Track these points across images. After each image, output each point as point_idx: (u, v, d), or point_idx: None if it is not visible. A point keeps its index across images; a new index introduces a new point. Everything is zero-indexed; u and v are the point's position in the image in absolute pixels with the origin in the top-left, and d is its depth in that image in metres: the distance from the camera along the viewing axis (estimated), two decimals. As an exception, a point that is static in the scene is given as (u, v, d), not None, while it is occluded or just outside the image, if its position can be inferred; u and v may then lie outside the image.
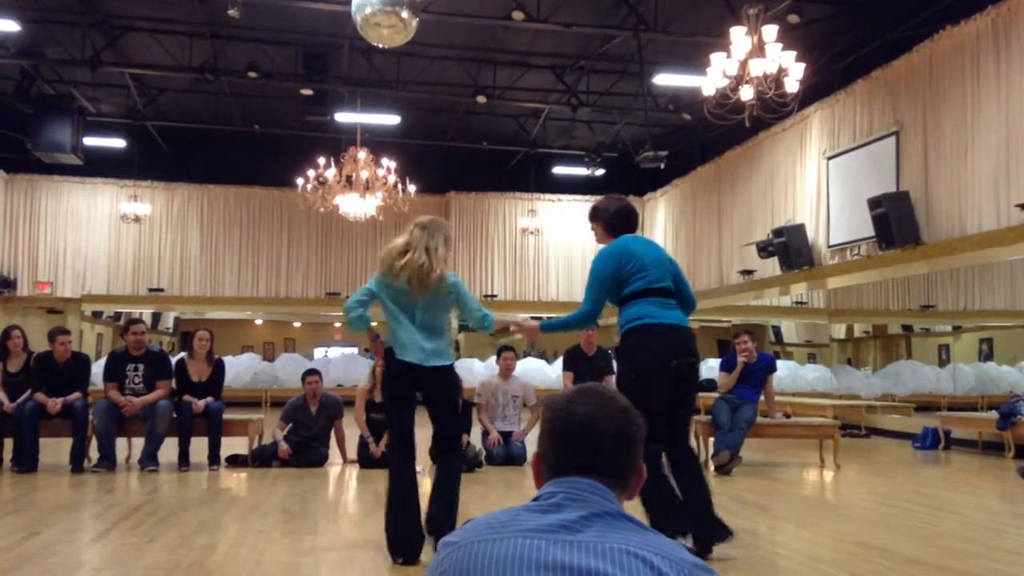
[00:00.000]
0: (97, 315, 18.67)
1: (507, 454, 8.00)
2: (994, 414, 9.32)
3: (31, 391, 7.37)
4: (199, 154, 17.85)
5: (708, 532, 4.16)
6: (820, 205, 12.14)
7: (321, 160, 13.88)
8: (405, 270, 4.20)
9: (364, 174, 13.90)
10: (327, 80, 14.30)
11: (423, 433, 4.37)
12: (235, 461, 7.76)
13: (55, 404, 7.28)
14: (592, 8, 12.42)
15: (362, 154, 13.98)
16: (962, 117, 9.51)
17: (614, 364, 8.06)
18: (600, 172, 17.39)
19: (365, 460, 7.63)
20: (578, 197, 18.26)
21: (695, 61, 10.90)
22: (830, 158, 11.92)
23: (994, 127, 9.06)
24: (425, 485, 4.62)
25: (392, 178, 14.09)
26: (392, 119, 15.75)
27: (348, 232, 17.58)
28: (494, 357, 9.75)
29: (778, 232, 12.36)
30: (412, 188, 14.23)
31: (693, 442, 4.69)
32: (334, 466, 7.89)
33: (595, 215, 4.57)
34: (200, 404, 7.56)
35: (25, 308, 16.58)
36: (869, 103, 11.22)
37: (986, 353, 13.62)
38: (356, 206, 14.13)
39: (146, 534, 4.69)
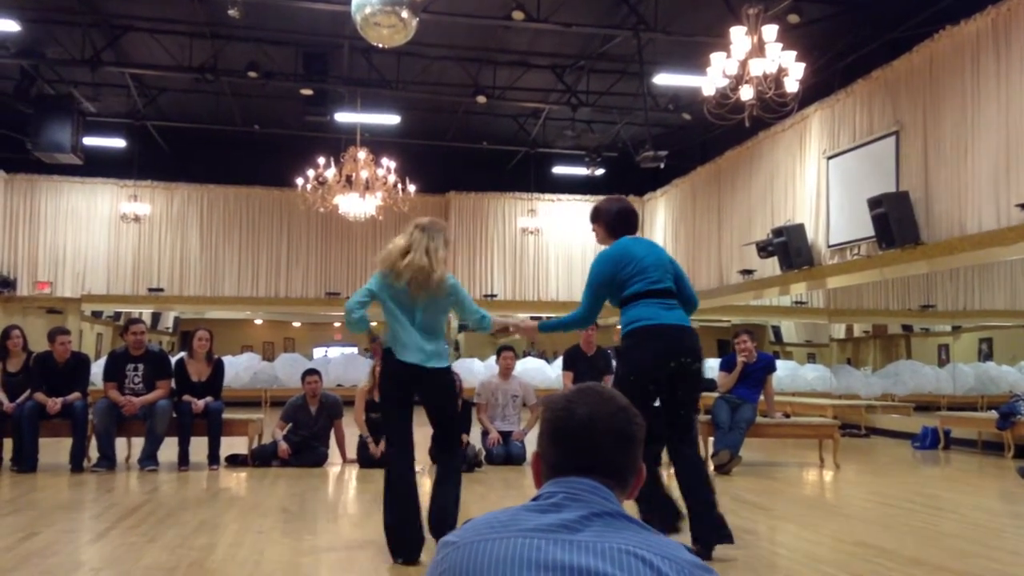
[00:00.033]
0: (97, 315, 18.67)
1: (507, 454, 8.00)
2: (994, 414, 9.32)
3: (31, 391, 7.37)
4: (199, 154, 17.85)
5: (709, 533, 4.15)
6: (820, 205, 12.14)
7: (321, 160, 13.88)
8: (407, 271, 4.20)
9: (364, 174, 13.90)
10: (327, 80, 14.30)
11: (423, 433, 4.37)
12: (235, 461, 7.76)
13: (55, 404, 7.28)
14: (592, 8, 12.42)
15: (362, 154, 13.98)
16: (962, 117, 9.51)
17: (614, 364, 8.06)
18: (600, 172, 17.39)
19: (365, 460, 7.63)
20: (578, 197, 18.27)
21: (695, 61, 10.90)
22: (830, 158, 11.93)
23: (994, 127, 9.06)
24: (425, 485, 4.62)
25: (392, 178, 14.09)
26: (392, 119, 15.75)
27: (348, 232, 17.58)
28: (494, 357, 9.75)
29: (778, 232, 12.36)
30: (412, 188, 14.23)
31: (698, 446, 4.66)
32: (334, 466, 7.89)
33: (596, 216, 4.57)
34: (200, 404, 7.56)
35: (25, 308, 16.57)
36: (869, 103, 11.22)
37: (986, 353, 13.61)
38: (356, 206, 14.13)
39: (146, 534, 4.69)
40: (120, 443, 7.79)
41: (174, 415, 7.54)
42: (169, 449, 7.57)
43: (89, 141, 15.25)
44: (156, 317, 20.73)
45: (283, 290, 18.01)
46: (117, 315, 18.90)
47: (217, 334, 8.45)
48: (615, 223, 4.48)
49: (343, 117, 15.06)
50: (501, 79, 14.88)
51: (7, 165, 16.45)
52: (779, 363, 11.42)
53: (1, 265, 16.57)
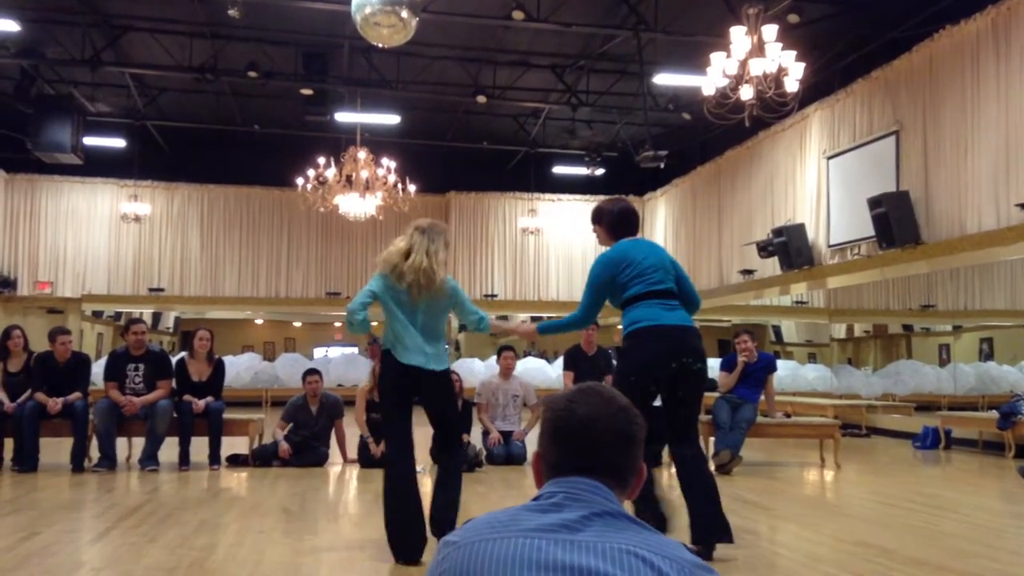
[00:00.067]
0: (97, 315, 18.67)
1: (507, 454, 8.00)
2: (994, 414, 9.31)
3: (31, 391, 7.38)
4: (199, 154, 17.85)
5: (710, 532, 4.15)
6: (820, 205, 12.14)
7: (321, 160, 13.87)
8: (409, 273, 4.21)
9: (364, 174, 13.89)
10: (327, 80, 14.30)
11: (423, 433, 4.37)
12: (235, 461, 7.77)
13: (55, 404, 7.28)
14: (592, 8, 12.42)
15: (362, 154, 13.98)
16: (962, 117, 9.51)
17: (615, 364, 8.06)
18: (600, 172, 17.40)
19: (365, 460, 7.63)
20: (578, 197, 18.27)
21: (695, 61, 10.90)
22: (830, 158, 11.92)
23: (994, 127, 9.06)
24: (426, 485, 4.62)
25: (392, 178, 14.09)
26: (392, 119, 15.75)
27: (348, 232, 17.58)
28: (494, 357, 9.75)
29: (778, 232, 12.36)
30: (412, 188, 14.23)
31: (701, 446, 4.66)
32: (334, 466, 7.89)
33: (597, 218, 4.57)
34: (200, 404, 7.56)
35: (25, 308, 16.58)
36: (869, 103, 11.22)
37: (986, 353, 13.61)
38: (356, 206, 14.13)
39: (146, 534, 4.69)
40: (121, 443, 7.80)
41: (175, 415, 7.54)
42: (170, 449, 7.58)
43: (89, 141, 15.26)
44: (157, 317, 20.73)
45: (283, 290, 18.01)
46: (118, 315, 18.90)
47: (218, 334, 8.46)
48: (616, 224, 4.48)
49: (343, 117, 15.06)
50: (501, 79, 14.88)
51: (7, 165, 16.45)
52: (780, 363, 11.42)
53: (1, 265, 16.57)
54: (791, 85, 8.39)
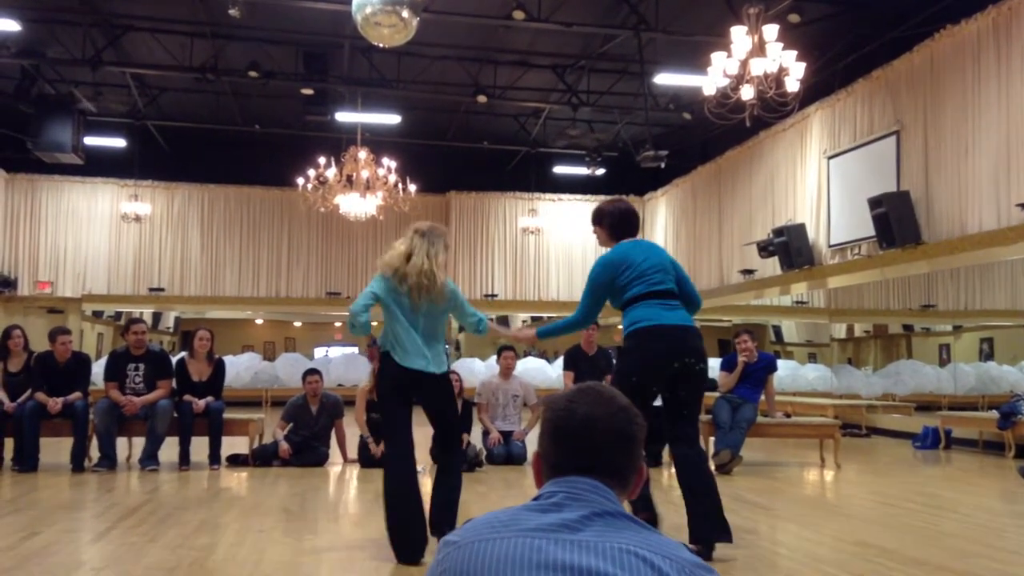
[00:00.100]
0: (97, 315, 18.67)
1: (507, 453, 8.00)
2: (994, 414, 9.31)
3: (32, 391, 7.38)
4: (200, 154, 17.85)
5: (710, 532, 4.15)
6: (820, 205, 12.14)
7: (321, 160, 13.88)
8: (411, 276, 4.22)
9: (364, 174, 13.90)
10: (327, 80, 14.29)
11: (423, 433, 4.37)
12: (236, 461, 7.77)
13: (56, 404, 7.28)
14: (593, 7, 12.42)
15: (362, 154, 13.98)
16: (963, 116, 9.51)
17: (615, 363, 8.06)
18: (600, 172, 17.39)
19: (365, 460, 7.63)
20: (579, 197, 18.27)
21: (695, 60, 10.90)
22: (831, 157, 11.92)
23: (995, 126, 9.06)
24: (426, 485, 4.62)
25: (392, 178, 14.09)
26: (392, 119, 15.75)
27: (348, 232, 17.58)
28: (494, 357, 9.75)
29: (778, 232, 12.36)
30: (412, 188, 14.23)
31: (700, 446, 4.66)
32: (335, 466, 7.89)
33: (597, 219, 4.58)
34: (201, 404, 7.57)
35: (26, 308, 16.58)
36: (870, 102, 11.21)
37: (987, 353, 13.60)
38: (356, 206, 14.13)
39: (146, 533, 4.69)
40: (121, 443, 7.80)
41: (175, 415, 7.54)
42: (170, 449, 7.58)
43: (90, 141, 15.25)
44: (157, 317, 20.73)
45: (284, 290, 18.02)
46: (118, 315, 18.90)
47: (218, 334, 8.46)
48: (616, 225, 4.49)
49: (344, 117, 15.07)
50: (502, 79, 14.88)
51: (8, 165, 16.46)
52: (780, 363, 11.41)
53: (2, 265, 16.57)
54: (792, 85, 8.39)
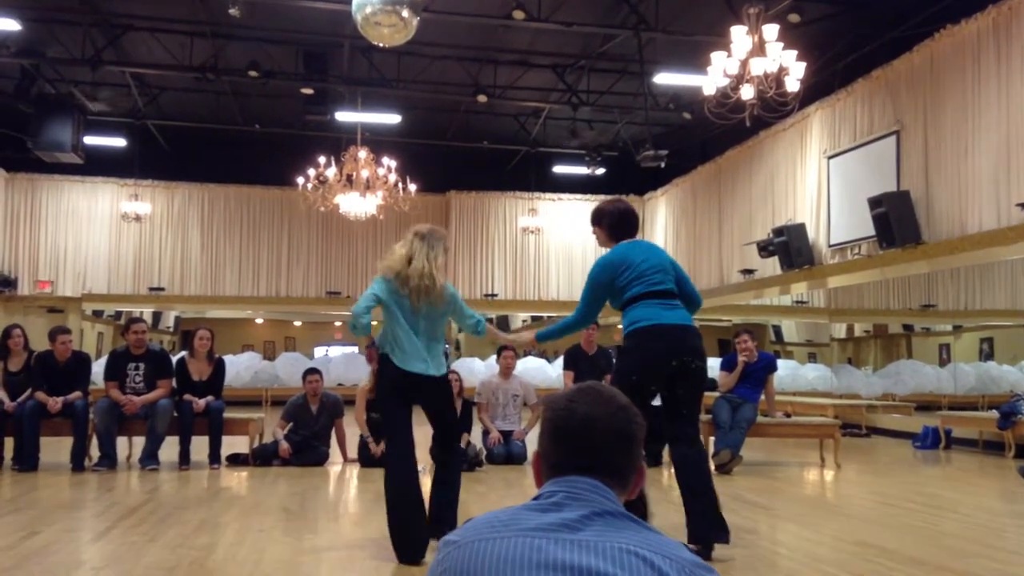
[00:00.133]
0: (98, 314, 18.67)
1: (508, 453, 8.00)
2: (994, 413, 9.31)
3: (32, 390, 7.38)
4: (200, 153, 17.85)
5: (708, 532, 4.16)
6: (820, 204, 12.14)
7: (321, 159, 13.88)
8: (413, 278, 4.26)
9: (364, 173, 13.90)
10: (327, 79, 14.29)
11: (423, 432, 4.37)
12: (236, 460, 7.77)
13: (56, 403, 7.29)
14: (593, 7, 12.42)
15: (362, 153, 13.99)
16: (963, 116, 9.50)
17: (615, 363, 8.06)
18: (600, 171, 17.39)
19: (365, 459, 7.63)
20: (579, 196, 18.27)
21: (695, 60, 10.90)
22: (831, 157, 11.92)
23: (995, 126, 9.06)
24: (425, 484, 4.62)
25: (392, 177, 14.09)
26: (393, 118, 15.75)
27: (348, 231, 17.58)
28: (494, 356, 9.75)
29: (778, 231, 12.36)
30: (412, 187, 14.23)
31: (701, 445, 4.66)
32: (334, 465, 7.89)
33: (597, 219, 4.59)
34: (201, 403, 7.57)
35: (26, 307, 16.58)
36: (870, 102, 11.21)
37: (987, 352, 13.60)
38: (356, 205, 14.13)
39: (146, 533, 4.69)
40: (121, 442, 7.80)
41: (175, 414, 7.54)
42: (170, 448, 7.58)
43: (90, 140, 15.26)
44: (157, 316, 20.73)
45: (284, 289, 18.02)
46: (118, 314, 18.90)
47: (218, 333, 8.46)
48: (616, 226, 4.50)
49: (344, 116, 15.07)
50: (502, 78, 14.88)
51: (8, 164, 16.46)
52: (780, 363, 11.41)
53: (2, 264, 16.57)
54: (792, 85, 8.39)
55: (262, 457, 7.76)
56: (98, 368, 9.08)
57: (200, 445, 7.60)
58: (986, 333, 13.70)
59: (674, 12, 12.05)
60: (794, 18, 10.76)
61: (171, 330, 22.94)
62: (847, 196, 11.42)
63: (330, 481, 7.13)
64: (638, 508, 4.19)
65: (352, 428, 8.08)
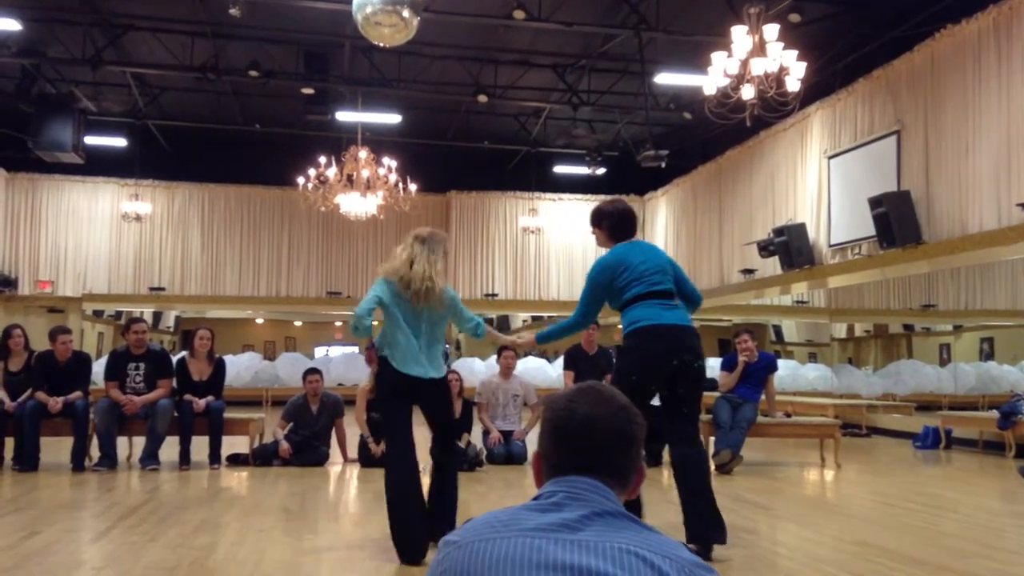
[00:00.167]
0: (98, 314, 18.68)
1: (508, 453, 8.00)
2: (995, 413, 9.31)
3: (32, 390, 7.38)
4: (200, 153, 17.85)
5: (706, 531, 4.16)
6: (821, 204, 12.13)
7: (322, 159, 13.88)
8: (415, 282, 4.29)
9: (365, 173, 13.90)
10: (328, 79, 14.29)
11: (423, 432, 4.37)
12: (236, 460, 7.77)
13: (56, 403, 7.29)
14: (593, 7, 12.42)
15: (363, 153, 13.99)
16: (963, 116, 9.50)
17: (615, 363, 8.06)
18: (601, 171, 17.39)
19: (366, 459, 7.63)
20: (579, 196, 18.26)
21: (696, 60, 10.89)
22: (831, 157, 11.92)
23: (995, 126, 9.06)
24: (424, 484, 4.62)
25: (393, 177, 14.09)
26: (393, 118, 15.76)
27: (349, 231, 17.58)
28: (495, 356, 9.75)
29: (779, 231, 12.36)
30: (413, 187, 14.22)
31: (701, 444, 4.66)
32: (335, 465, 7.89)
33: (596, 220, 4.60)
34: (201, 403, 7.57)
35: (26, 307, 16.58)
36: (870, 102, 11.21)
37: (987, 352, 13.60)
38: (357, 205, 14.13)
39: (147, 533, 4.69)
40: (121, 442, 7.80)
41: (175, 414, 7.54)
42: (170, 448, 7.58)
43: (90, 140, 15.26)
44: (157, 316, 20.74)
45: (284, 289, 18.02)
46: (118, 314, 18.91)
47: (218, 333, 8.46)
48: (616, 226, 4.51)
49: (344, 116, 15.07)
50: (502, 78, 14.88)
51: (8, 164, 16.46)
52: (780, 362, 11.42)
53: (2, 264, 16.58)
54: (792, 84, 8.39)
55: (262, 457, 7.76)
56: (98, 368, 9.08)
57: (200, 445, 7.60)
58: (986, 333, 13.70)
59: (674, 12, 12.05)
60: (794, 18, 10.76)
61: (171, 330, 22.95)
62: (847, 196, 11.42)
63: (330, 481, 7.13)
64: (634, 508, 4.20)
65: (352, 428, 8.09)
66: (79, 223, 17.08)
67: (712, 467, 7.51)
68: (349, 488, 6.95)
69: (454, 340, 19.98)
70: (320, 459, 7.84)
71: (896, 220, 9.96)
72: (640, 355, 4.25)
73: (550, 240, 18.42)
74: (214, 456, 7.59)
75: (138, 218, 16.97)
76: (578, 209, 17.66)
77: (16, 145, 15.20)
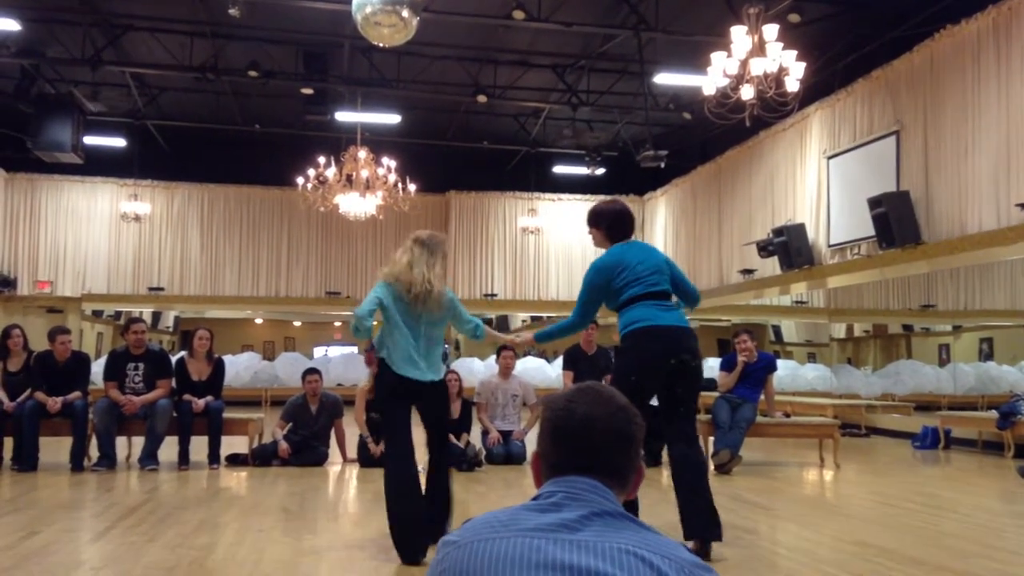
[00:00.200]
0: (97, 314, 18.67)
1: (507, 453, 8.00)
2: (994, 413, 9.32)
3: (31, 390, 7.38)
4: (199, 153, 17.85)
5: (704, 528, 4.17)
6: (820, 204, 12.14)
7: (321, 159, 13.88)
8: (416, 284, 4.31)
9: (364, 173, 13.90)
10: (327, 79, 14.29)
11: (423, 432, 4.38)
12: (235, 460, 7.77)
13: (55, 403, 7.28)
14: (593, 7, 12.42)
15: (362, 153, 13.99)
16: (963, 116, 9.51)
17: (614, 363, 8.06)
18: (600, 171, 17.39)
19: (365, 459, 7.63)
20: (578, 196, 18.27)
21: (695, 60, 10.90)
22: (830, 157, 11.92)
23: (995, 126, 9.06)
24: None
25: (392, 177, 14.09)
26: (392, 118, 15.76)
27: (348, 231, 17.59)
28: (494, 356, 9.75)
29: (778, 231, 12.36)
30: (412, 187, 14.23)
31: (699, 443, 4.67)
32: (334, 465, 7.89)
33: (593, 220, 4.61)
34: (200, 403, 7.56)
35: (25, 307, 16.58)
36: (869, 102, 11.21)
37: (986, 353, 13.60)
38: (356, 205, 14.13)
39: (146, 533, 4.69)
40: (120, 442, 7.80)
41: (174, 414, 7.54)
42: (169, 448, 7.58)
43: (89, 140, 15.25)
44: (156, 316, 20.73)
45: (283, 289, 18.02)
46: (117, 314, 18.90)
47: (217, 333, 8.45)
48: (611, 226, 4.53)
49: (343, 116, 15.07)
50: (502, 78, 14.88)
51: (7, 164, 16.46)
52: (779, 363, 11.41)
53: (1, 264, 16.57)
54: (792, 85, 8.39)
55: (261, 457, 7.76)
56: (97, 368, 9.08)
57: (199, 445, 7.60)
58: (986, 333, 13.70)
59: (674, 12, 12.06)
60: (794, 18, 10.77)
61: (170, 330, 22.94)
62: (847, 196, 11.42)
63: (329, 481, 7.13)
64: (631, 507, 4.21)
65: (351, 428, 8.08)
66: (78, 223, 17.08)
67: (711, 467, 7.54)
68: (348, 488, 6.95)
69: (453, 340, 19.96)
70: (319, 459, 7.84)
71: (895, 220, 9.97)
72: (638, 356, 4.27)
73: (549, 240, 18.43)
74: (213, 456, 7.59)
75: (137, 218, 16.97)
76: (577, 209, 17.67)
77: (15, 145, 15.20)
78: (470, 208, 18.49)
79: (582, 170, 17.79)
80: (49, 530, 4.74)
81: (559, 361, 11.16)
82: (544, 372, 17.41)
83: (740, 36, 8.35)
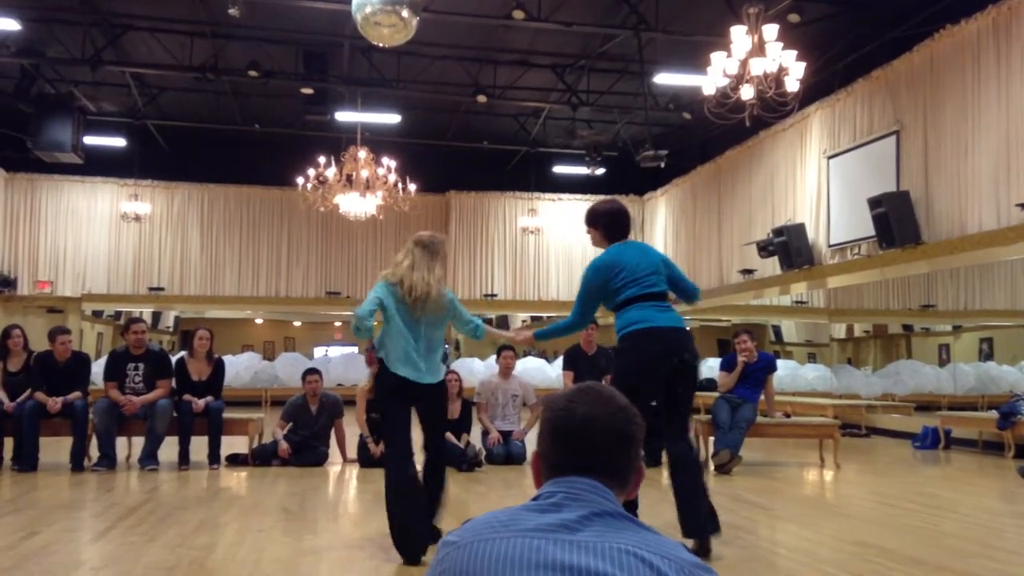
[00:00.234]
0: (97, 314, 18.67)
1: (507, 453, 8.00)
2: (994, 414, 9.31)
3: (31, 390, 7.38)
4: (199, 153, 17.85)
5: (702, 525, 4.18)
6: (820, 204, 12.14)
7: (321, 159, 13.88)
8: (416, 286, 4.32)
9: (364, 173, 13.90)
10: (327, 79, 14.29)
11: (421, 433, 4.38)
12: (235, 460, 7.77)
13: (55, 403, 7.28)
14: (593, 7, 12.42)
15: (362, 153, 13.98)
16: (963, 116, 9.51)
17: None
18: (600, 171, 17.38)
19: (365, 459, 7.63)
20: (578, 196, 18.27)
21: (695, 60, 10.90)
22: (830, 157, 11.92)
23: (995, 126, 9.06)
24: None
25: (392, 177, 14.09)
26: (392, 118, 15.76)
27: (348, 231, 17.59)
28: (494, 356, 9.75)
29: (778, 231, 12.36)
30: (412, 187, 14.23)
31: (693, 442, 4.68)
32: (334, 465, 7.89)
33: (591, 220, 4.63)
34: (200, 403, 7.57)
35: (25, 307, 16.58)
36: (869, 102, 11.22)
37: (986, 353, 13.60)
38: (356, 205, 14.13)
39: (146, 533, 4.69)
40: (120, 442, 7.80)
41: (174, 414, 7.54)
42: (169, 448, 7.58)
43: (89, 140, 15.26)
44: (156, 316, 20.72)
45: (283, 289, 18.02)
46: (117, 314, 18.90)
47: (217, 333, 8.46)
48: (608, 226, 4.54)
49: (343, 116, 15.07)
50: (501, 78, 14.88)
51: (7, 164, 16.46)
52: (779, 363, 11.41)
53: (1, 264, 16.57)
54: (791, 85, 8.39)
55: (261, 457, 7.76)
56: (98, 368, 9.08)
57: (199, 445, 7.60)
58: (986, 333, 13.69)
59: (674, 12, 12.06)
60: (794, 18, 10.77)
61: (171, 330, 22.93)
62: (847, 196, 11.42)
63: (329, 481, 7.12)
64: (630, 507, 4.22)
65: (351, 428, 8.08)
66: (78, 223, 17.08)
67: (711, 467, 7.55)
68: (348, 488, 6.95)
69: (453, 340, 19.96)
70: (319, 459, 7.84)
71: (895, 220, 9.97)
72: (637, 357, 4.29)
73: (549, 240, 18.43)
74: (213, 456, 7.59)
75: (137, 218, 16.97)
76: (577, 209, 17.65)
77: (15, 145, 15.20)
78: (470, 208, 18.49)
79: (582, 170, 17.78)
80: (49, 530, 4.74)
81: (559, 361, 11.16)
82: (544, 372, 17.41)
83: (740, 36, 8.35)
